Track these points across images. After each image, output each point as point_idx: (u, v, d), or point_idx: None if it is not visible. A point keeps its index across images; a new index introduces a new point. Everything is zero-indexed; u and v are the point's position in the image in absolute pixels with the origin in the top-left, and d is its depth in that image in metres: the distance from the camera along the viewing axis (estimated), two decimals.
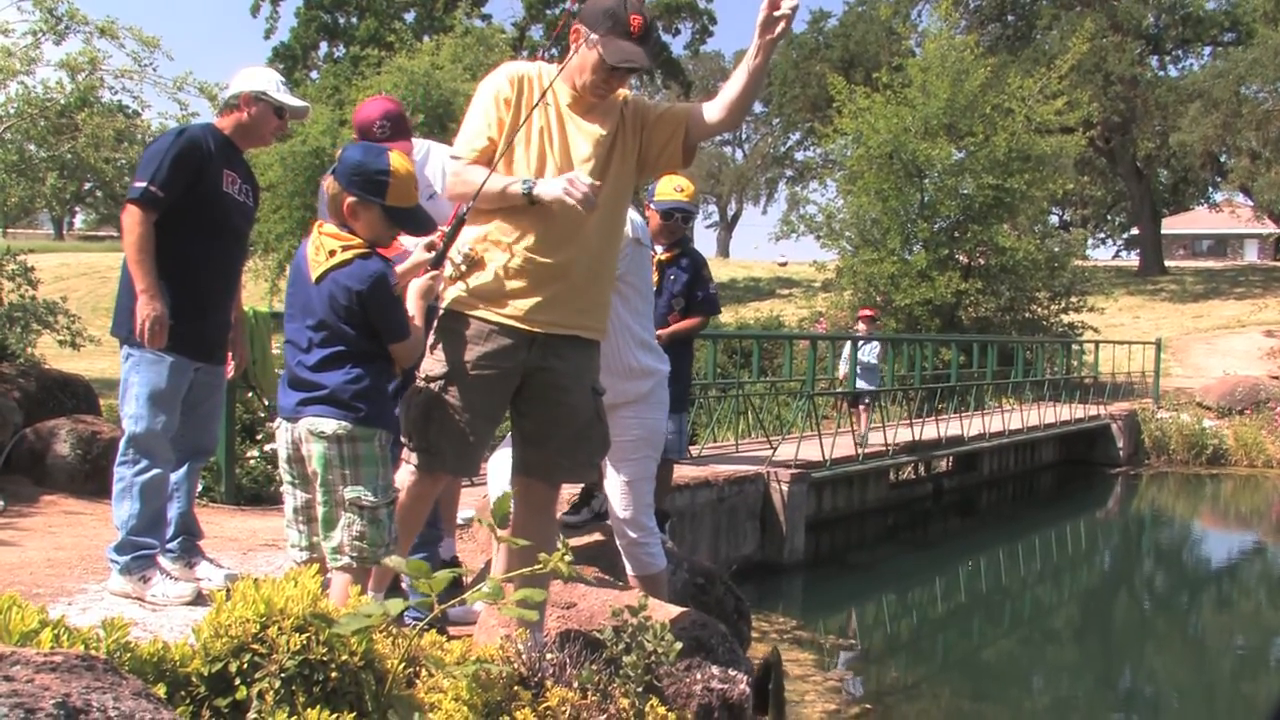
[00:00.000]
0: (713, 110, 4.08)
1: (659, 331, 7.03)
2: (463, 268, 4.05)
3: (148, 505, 5.14)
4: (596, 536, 6.39)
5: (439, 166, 5.50)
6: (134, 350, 5.09)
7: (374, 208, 3.85)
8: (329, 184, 3.92)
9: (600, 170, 4.05)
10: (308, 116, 6.04)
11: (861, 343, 15.59)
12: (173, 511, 5.43)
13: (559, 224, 3.93)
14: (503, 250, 3.96)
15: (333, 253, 3.83)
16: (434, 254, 4.09)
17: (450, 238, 4.10)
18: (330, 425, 3.78)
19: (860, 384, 15.24)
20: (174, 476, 5.41)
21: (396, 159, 3.94)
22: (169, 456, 5.26)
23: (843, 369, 15.58)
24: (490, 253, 3.97)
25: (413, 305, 3.99)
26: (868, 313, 16.48)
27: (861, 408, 15.61)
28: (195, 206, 5.13)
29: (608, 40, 3.93)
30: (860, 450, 13.90)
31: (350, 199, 3.84)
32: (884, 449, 15.26)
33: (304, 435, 3.83)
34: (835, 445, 13.97)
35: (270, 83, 5.38)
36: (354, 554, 3.80)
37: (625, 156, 4.14)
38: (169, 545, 5.46)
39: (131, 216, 5.00)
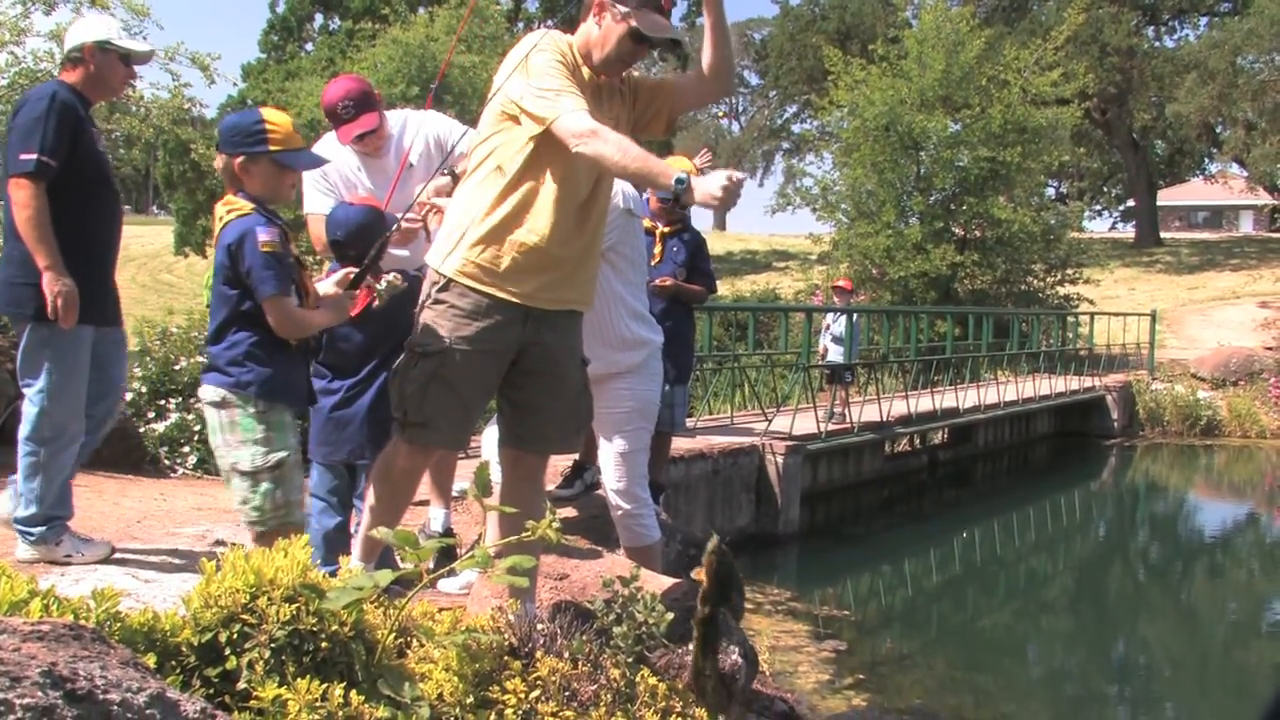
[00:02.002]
0: (695, 77, 4.10)
1: (664, 280, 7.12)
2: (385, 295, 4.13)
3: (58, 478, 5.13)
4: (589, 509, 6.39)
5: (418, 133, 5.48)
6: (41, 326, 5.01)
7: (262, 159, 3.90)
8: (218, 160, 3.97)
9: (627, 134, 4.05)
10: (152, 59, 5.92)
11: (835, 315, 15.55)
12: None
13: (572, 212, 3.92)
14: (513, 229, 3.90)
15: (220, 218, 3.89)
16: (354, 276, 4.19)
17: (373, 261, 4.21)
18: (210, 392, 3.88)
19: (834, 357, 15.11)
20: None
21: (268, 111, 4.02)
22: (81, 427, 5.23)
23: (822, 343, 15.47)
24: (498, 230, 3.91)
25: (322, 315, 4.07)
26: (841, 284, 16.33)
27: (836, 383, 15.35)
28: (80, 169, 5.05)
29: (641, 13, 3.91)
30: (824, 428, 13.85)
31: (239, 159, 3.90)
32: (879, 421, 15.28)
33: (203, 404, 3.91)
34: (831, 417, 14.00)
35: (112, 30, 5.27)
36: (246, 519, 3.89)
37: (629, 125, 4.13)
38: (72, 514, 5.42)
39: (25, 190, 4.87)
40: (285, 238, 3.92)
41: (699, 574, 3.56)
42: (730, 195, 3.58)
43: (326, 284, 4.24)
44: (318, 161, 4.42)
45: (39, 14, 11.57)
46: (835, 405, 14.85)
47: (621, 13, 3.91)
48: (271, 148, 3.89)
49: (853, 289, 16.92)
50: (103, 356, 5.29)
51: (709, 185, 3.60)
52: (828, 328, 15.39)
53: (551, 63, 3.87)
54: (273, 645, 2.76)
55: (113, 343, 5.39)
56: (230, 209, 3.89)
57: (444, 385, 3.93)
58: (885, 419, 15.43)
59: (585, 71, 3.99)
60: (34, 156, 4.88)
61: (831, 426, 14.15)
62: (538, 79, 3.83)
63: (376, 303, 4.31)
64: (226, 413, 3.83)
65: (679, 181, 3.62)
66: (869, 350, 20.24)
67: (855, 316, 15.76)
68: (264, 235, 3.80)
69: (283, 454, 3.88)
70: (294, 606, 2.82)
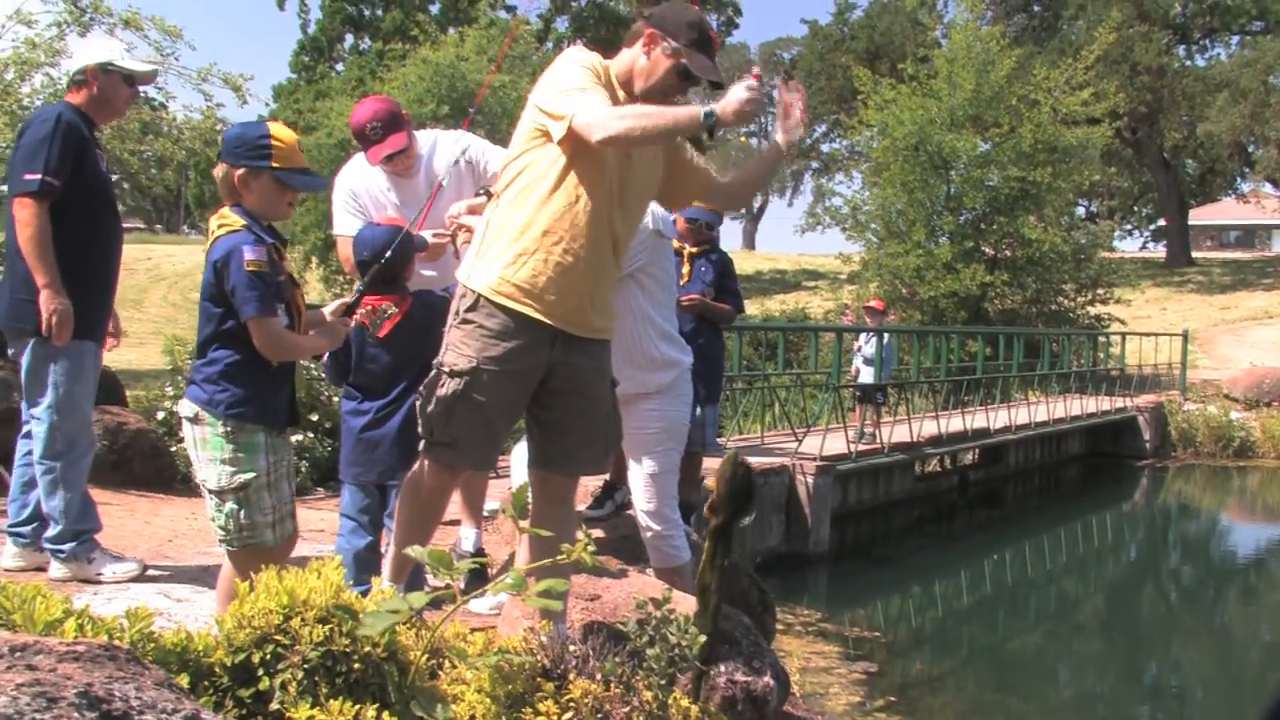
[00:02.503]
0: (724, 187, 4.25)
1: (693, 296, 7.13)
2: (379, 323, 4.18)
3: (77, 490, 5.19)
4: (619, 529, 6.39)
5: (448, 155, 5.50)
6: (45, 343, 5.08)
7: (263, 174, 3.86)
8: (218, 169, 3.95)
9: (645, 185, 4.07)
10: (157, 78, 5.97)
11: (866, 336, 15.39)
12: (34, 496, 5.40)
13: (607, 231, 3.92)
14: (548, 247, 3.87)
15: (211, 233, 3.88)
16: (349, 303, 4.23)
17: (368, 287, 4.35)
18: (186, 407, 3.87)
19: (866, 378, 15.01)
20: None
21: (275, 127, 3.98)
22: (92, 439, 5.33)
23: (854, 364, 15.37)
24: (532, 247, 3.87)
25: (312, 340, 4.06)
26: (873, 305, 16.23)
27: (867, 404, 15.18)
28: (86, 189, 5.14)
29: (692, 53, 3.93)
30: (854, 448, 13.82)
31: (240, 171, 3.86)
32: (909, 442, 15.22)
33: None
34: (861, 438, 13.99)
35: (115, 52, 5.35)
36: (217, 537, 3.91)
37: (654, 174, 4.14)
38: (23, 530, 5.44)
39: (28, 209, 4.96)
40: (275, 256, 3.88)
41: (711, 482, 3.57)
42: (756, 99, 3.65)
43: (328, 310, 4.24)
44: (320, 184, 4.47)
45: (74, 36, 11.69)
46: (866, 425, 14.77)
47: (672, 48, 3.93)
48: (274, 164, 3.86)
49: (884, 309, 16.81)
50: (97, 371, 5.38)
51: (733, 101, 3.66)
52: (859, 349, 15.30)
53: (577, 68, 3.90)
54: (306, 666, 2.76)
55: (100, 358, 5.48)
56: (221, 224, 3.86)
57: (470, 405, 3.90)
58: (916, 439, 15.36)
59: (620, 94, 3.99)
60: (38, 176, 4.97)
61: (862, 447, 14.09)
62: (562, 82, 3.86)
63: (376, 331, 4.33)
64: (199, 429, 3.83)
65: (708, 115, 3.66)
66: (900, 371, 20.18)
67: (887, 337, 15.66)
68: (250, 254, 3.76)
69: (249, 475, 3.84)
70: (327, 627, 2.82)
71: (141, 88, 5.64)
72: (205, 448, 3.82)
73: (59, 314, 4.97)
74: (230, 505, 3.82)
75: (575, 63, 3.93)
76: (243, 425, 3.83)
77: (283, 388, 3.99)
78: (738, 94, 3.64)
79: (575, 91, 3.80)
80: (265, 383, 3.89)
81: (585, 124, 3.72)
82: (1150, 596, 14.56)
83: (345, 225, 5.41)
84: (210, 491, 3.84)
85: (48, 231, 4.97)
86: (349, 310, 4.22)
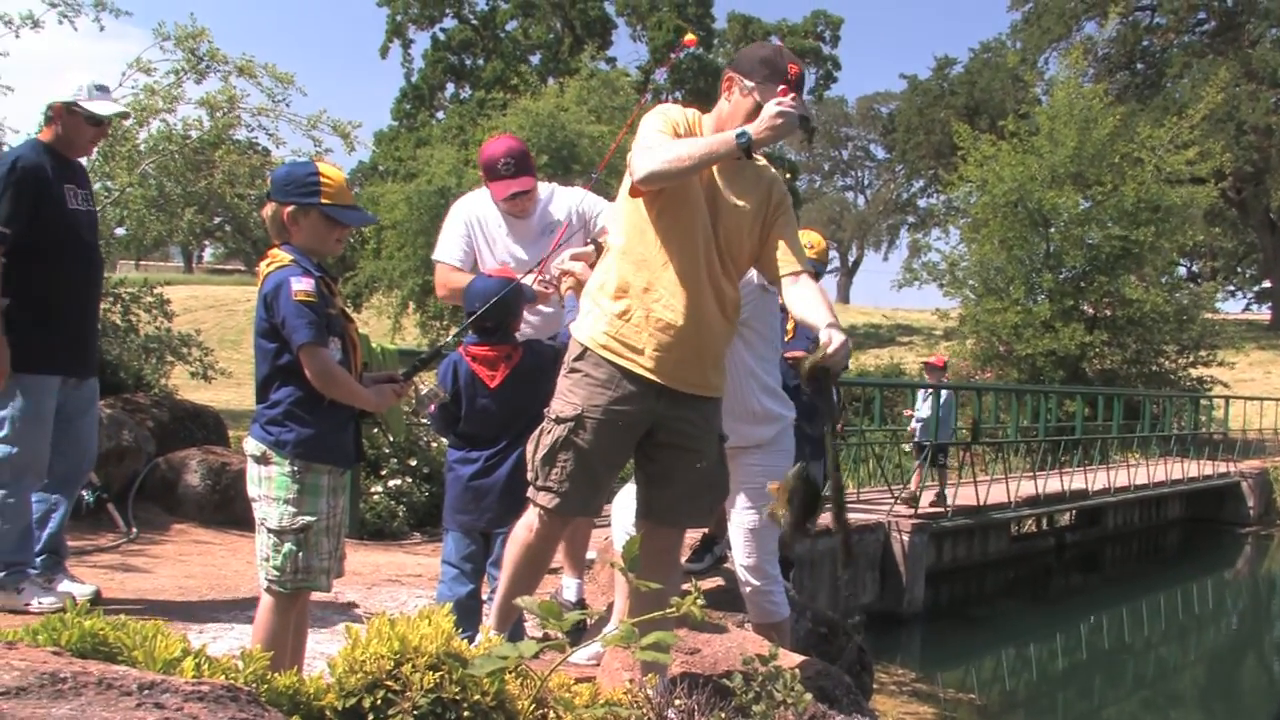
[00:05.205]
0: (788, 289, 4.02)
1: (797, 352, 7.08)
2: (425, 401, 4.21)
3: (16, 524, 5.19)
4: (718, 582, 6.36)
5: (564, 206, 5.55)
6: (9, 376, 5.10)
7: (312, 210, 3.87)
8: (267, 209, 3.96)
9: (740, 243, 4.01)
10: (129, 119, 5.89)
11: (923, 394, 14.71)
12: (46, 529, 5.42)
13: (707, 290, 3.90)
14: (648, 304, 3.88)
15: (261, 273, 3.89)
16: (405, 372, 4.21)
17: (424, 363, 4.40)
18: (252, 446, 3.85)
19: (921, 439, 14.28)
20: (53, 496, 5.44)
21: (323, 165, 3.99)
22: (41, 474, 5.28)
23: (911, 423, 14.82)
24: (633, 303, 3.90)
25: (365, 394, 3.97)
26: (932, 361, 15.80)
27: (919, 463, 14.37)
28: (45, 229, 5.14)
29: (766, 88, 3.87)
30: (914, 510, 13.48)
31: (289, 208, 3.86)
32: (1006, 502, 15.01)
33: None
34: (957, 495, 13.85)
35: (80, 91, 5.33)
36: (264, 576, 3.83)
37: (742, 232, 4.03)
38: (34, 562, 5.45)
39: None
40: (326, 290, 3.89)
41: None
42: (787, 115, 3.67)
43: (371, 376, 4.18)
44: (367, 220, 4.46)
45: (190, 82, 11.96)
46: (919, 486, 14.15)
47: (748, 87, 3.90)
48: (323, 200, 3.87)
49: (944, 365, 16.28)
50: (68, 408, 5.37)
51: (764, 120, 3.70)
52: (910, 414, 14.79)
53: (652, 124, 3.91)
54: (416, 712, 2.76)
55: (83, 398, 5.47)
56: (271, 263, 3.87)
57: (574, 452, 3.92)
58: (1012, 499, 15.15)
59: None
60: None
61: (927, 508, 13.62)
62: (638, 140, 3.88)
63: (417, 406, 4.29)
64: (265, 468, 3.81)
65: (741, 135, 3.69)
66: (993, 429, 19.90)
67: (945, 395, 15.11)
68: (299, 285, 3.76)
69: (309, 518, 3.82)
70: (438, 675, 2.82)
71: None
72: (269, 486, 3.81)
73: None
74: (289, 546, 3.79)
75: (653, 117, 3.95)
76: (310, 465, 3.83)
77: (347, 425, 3.98)
78: (768, 111, 3.67)
79: (643, 150, 3.82)
80: (330, 419, 3.88)
81: (632, 171, 3.79)
82: (1251, 668, 14.23)
83: (447, 251, 5.45)
84: (270, 531, 3.81)
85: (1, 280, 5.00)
86: (408, 375, 4.23)
